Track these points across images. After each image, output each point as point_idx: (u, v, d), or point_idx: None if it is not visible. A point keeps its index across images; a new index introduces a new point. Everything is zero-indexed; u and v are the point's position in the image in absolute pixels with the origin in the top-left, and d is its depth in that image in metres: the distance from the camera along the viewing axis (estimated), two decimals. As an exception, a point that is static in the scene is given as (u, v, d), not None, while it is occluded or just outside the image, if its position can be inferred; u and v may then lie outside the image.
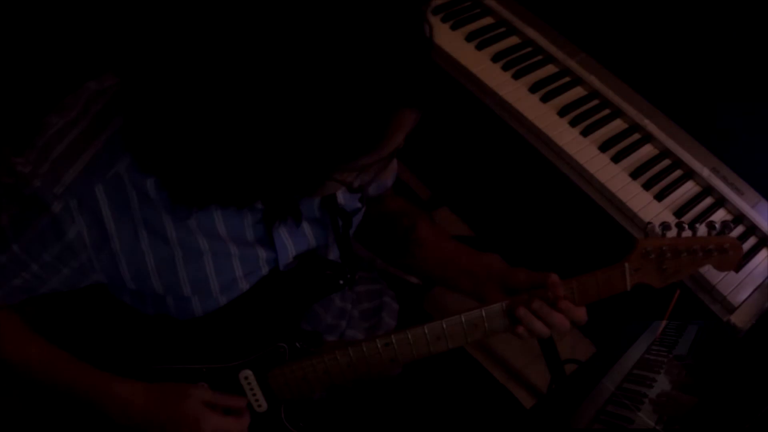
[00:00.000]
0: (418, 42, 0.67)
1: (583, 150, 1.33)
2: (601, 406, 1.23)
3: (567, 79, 1.43)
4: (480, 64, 1.43)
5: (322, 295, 1.01)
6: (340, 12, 0.62)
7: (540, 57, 1.45)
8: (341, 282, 0.98)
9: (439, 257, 1.10)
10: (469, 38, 1.47)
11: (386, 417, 1.16)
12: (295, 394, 1.01)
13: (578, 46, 1.44)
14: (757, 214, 1.26)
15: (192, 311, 0.91)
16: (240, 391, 1.00)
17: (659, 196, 1.29)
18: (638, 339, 1.32)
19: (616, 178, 1.30)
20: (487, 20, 1.51)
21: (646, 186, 1.30)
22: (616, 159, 1.32)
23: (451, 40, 1.46)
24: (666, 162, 1.34)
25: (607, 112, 1.39)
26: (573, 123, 1.36)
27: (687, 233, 0.93)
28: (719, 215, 1.29)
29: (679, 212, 1.28)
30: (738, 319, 1.18)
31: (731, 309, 1.19)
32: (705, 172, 1.30)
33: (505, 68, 1.42)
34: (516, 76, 1.41)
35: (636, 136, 1.37)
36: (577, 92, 1.42)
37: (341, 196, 0.99)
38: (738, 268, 1.21)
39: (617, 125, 1.38)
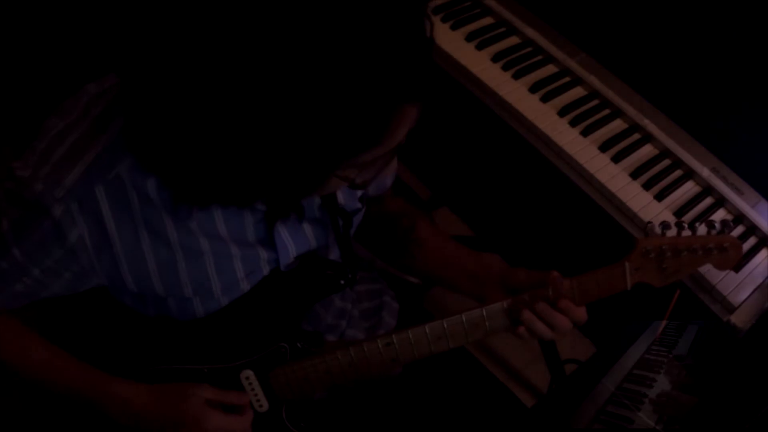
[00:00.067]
0: (419, 38, 0.67)
1: (583, 150, 1.33)
2: (601, 406, 1.23)
3: (567, 79, 1.43)
4: (480, 64, 1.43)
5: (323, 295, 1.01)
6: (342, 9, 0.62)
7: (540, 57, 1.45)
8: (342, 282, 0.98)
9: (439, 258, 1.10)
10: (469, 38, 1.47)
11: (387, 416, 1.16)
12: (297, 394, 1.01)
13: (578, 46, 1.44)
14: (757, 214, 1.26)
15: (193, 312, 0.91)
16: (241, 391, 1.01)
17: (659, 196, 1.29)
18: (638, 339, 1.32)
19: (616, 178, 1.30)
20: (487, 20, 1.51)
21: (646, 186, 1.30)
22: (616, 159, 1.32)
23: (451, 40, 1.46)
24: (666, 162, 1.34)
25: (607, 112, 1.39)
26: (573, 123, 1.36)
27: (687, 232, 0.93)
28: (719, 215, 1.29)
29: (679, 212, 1.28)
30: (738, 319, 1.18)
31: (731, 309, 1.19)
32: (705, 172, 1.30)
33: (505, 68, 1.42)
34: (516, 76, 1.41)
35: (636, 136, 1.37)
36: (577, 92, 1.42)
37: (341, 197, 0.99)
38: (738, 268, 1.21)
39: (617, 125, 1.38)
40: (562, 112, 1.37)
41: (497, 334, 0.98)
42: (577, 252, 1.70)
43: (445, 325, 0.95)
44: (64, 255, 0.82)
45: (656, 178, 1.31)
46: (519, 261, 1.07)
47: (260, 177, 0.70)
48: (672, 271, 0.95)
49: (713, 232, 0.93)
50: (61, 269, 0.83)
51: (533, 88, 1.40)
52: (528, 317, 0.93)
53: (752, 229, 1.26)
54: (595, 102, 1.40)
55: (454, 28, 1.48)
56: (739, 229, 1.27)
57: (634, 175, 1.31)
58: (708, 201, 1.30)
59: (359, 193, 1.03)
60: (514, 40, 1.48)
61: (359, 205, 1.03)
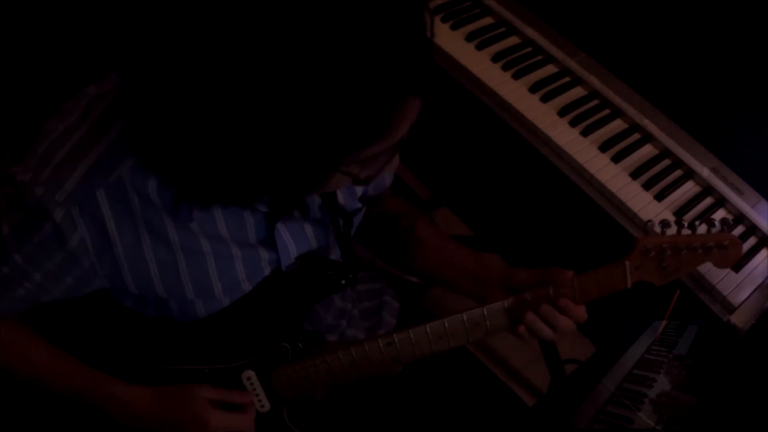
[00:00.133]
0: (419, 30, 0.67)
1: (583, 150, 1.33)
2: (601, 406, 1.23)
3: (567, 79, 1.43)
4: (480, 64, 1.43)
5: (323, 295, 1.01)
6: (343, 3, 0.62)
7: (540, 57, 1.45)
8: (343, 282, 0.98)
9: (439, 258, 1.10)
10: (469, 38, 1.47)
11: (388, 416, 1.16)
12: (298, 394, 1.02)
13: (578, 46, 1.44)
14: (757, 214, 1.26)
15: (195, 313, 0.91)
16: (243, 392, 1.01)
17: (659, 196, 1.29)
18: (638, 339, 1.32)
19: (616, 178, 1.30)
20: (487, 20, 1.51)
21: (646, 186, 1.30)
22: (616, 159, 1.32)
23: (451, 40, 1.46)
24: (666, 162, 1.34)
25: (607, 112, 1.39)
26: (573, 123, 1.36)
27: (686, 231, 0.93)
28: (719, 215, 1.29)
29: (679, 212, 1.28)
30: (738, 319, 1.17)
31: (731, 309, 1.19)
32: (705, 172, 1.30)
33: (505, 68, 1.42)
34: (516, 76, 1.41)
35: (636, 136, 1.37)
36: (577, 92, 1.42)
37: (341, 197, 0.99)
38: (738, 268, 1.21)
39: (617, 125, 1.38)
40: (562, 112, 1.37)
41: (497, 334, 0.98)
42: (577, 252, 1.70)
43: (446, 325, 0.95)
44: (66, 259, 0.81)
45: (656, 178, 1.31)
46: (519, 261, 1.07)
47: (264, 172, 0.70)
48: (672, 270, 0.95)
49: (713, 230, 0.93)
50: (63, 273, 0.83)
51: (533, 88, 1.40)
52: (530, 318, 0.93)
53: (752, 229, 1.26)
54: (595, 102, 1.40)
55: (454, 28, 1.48)
56: (739, 229, 1.27)
57: (634, 175, 1.31)
58: (708, 201, 1.30)
59: (359, 193, 1.03)
60: (514, 40, 1.48)
61: (359, 205, 1.03)
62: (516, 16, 1.48)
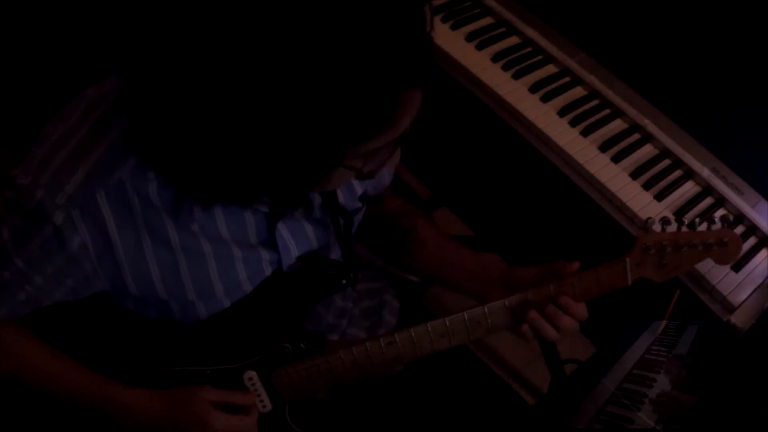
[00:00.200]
0: (420, 24, 0.67)
1: (583, 150, 1.33)
2: (601, 406, 1.23)
3: (567, 79, 1.43)
4: (480, 64, 1.42)
5: (325, 295, 1.01)
6: None
7: (540, 57, 1.45)
8: (344, 281, 0.98)
9: (440, 257, 1.10)
10: (469, 38, 1.47)
11: (389, 415, 1.16)
12: (300, 394, 1.02)
13: (578, 46, 1.44)
14: (757, 214, 1.26)
15: (196, 315, 0.91)
16: (244, 392, 1.01)
17: (659, 196, 1.29)
18: (638, 339, 1.32)
19: (616, 178, 1.30)
20: (487, 20, 1.51)
21: (646, 186, 1.30)
22: (616, 159, 1.32)
23: (451, 40, 1.45)
24: (666, 162, 1.34)
25: (607, 112, 1.39)
26: (573, 123, 1.36)
27: (686, 228, 0.93)
28: (719, 215, 1.29)
29: (679, 212, 1.28)
30: (738, 319, 1.17)
31: (731, 309, 1.19)
32: (705, 172, 1.30)
33: (505, 68, 1.42)
34: (516, 76, 1.41)
35: (636, 136, 1.37)
36: (577, 92, 1.42)
37: (341, 196, 0.99)
38: (738, 268, 1.21)
39: (617, 125, 1.38)
40: (562, 112, 1.37)
41: (497, 335, 0.98)
42: (578, 252, 1.69)
43: (447, 323, 0.95)
44: (66, 261, 0.81)
45: (656, 178, 1.31)
46: (519, 261, 1.07)
47: (268, 167, 0.69)
48: (672, 267, 0.95)
49: (713, 227, 0.93)
50: (64, 276, 0.83)
51: (533, 88, 1.40)
52: (533, 316, 0.93)
53: (752, 229, 1.26)
54: (595, 102, 1.40)
55: (454, 28, 1.48)
56: (739, 229, 1.27)
57: (634, 175, 1.31)
58: (708, 201, 1.30)
59: (359, 192, 1.03)
60: (514, 40, 1.48)
61: (359, 205, 1.04)
62: (516, 16, 1.48)
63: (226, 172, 0.71)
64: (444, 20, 1.48)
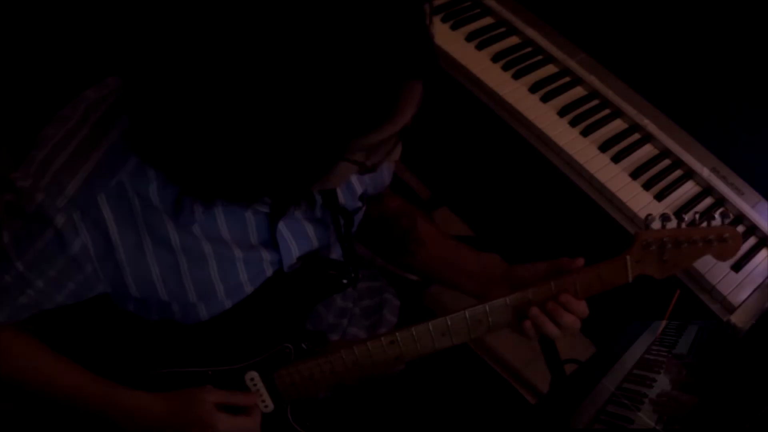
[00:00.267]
0: (421, 17, 0.68)
1: (583, 150, 1.33)
2: (601, 406, 1.23)
3: (567, 79, 1.43)
4: (480, 64, 1.42)
5: (326, 294, 1.01)
6: None
7: (540, 57, 1.45)
8: (345, 281, 0.98)
9: (440, 257, 1.11)
10: (469, 38, 1.47)
11: (391, 413, 1.17)
12: (302, 394, 1.02)
13: (578, 46, 1.44)
14: (757, 214, 1.26)
15: (197, 316, 0.91)
16: (246, 393, 1.01)
17: (659, 196, 1.29)
18: (638, 339, 1.32)
19: (616, 178, 1.30)
20: (487, 20, 1.51)
21: (646, 186, 1.30)
22: (616, 159, 1.32)
23: (451, 40, 1.45)
24: (666, 162, 1.34)
25: (607, 112, 1.39)
26: (573, 123, 1.36)
27: (686, 224, 0.94)
28: (719, 212, 1.28)
29: (679, 212, 1.28)
30: (738, 319, 1.17)
31: (731, 309, 1.19)
32: (705, 172, 1.30)
33: (505, 68, 1.42)
34: (516, 76, 1.41)
35: (636, 136, 1.37)
36: (577, 92, 1.42)
37: (342, 196, 0.99)
38: (738, 268, 1.21)
39: (617, 125, 1.38)
40: (562, 112, 1.37)
41: (497, 335, 0.98)
42: (578, 252, 1.69)
43: (449, 322, 0.95)
44: (68, 265, 0.81)
45: (656, 178, 1.31)
46: (519, 261, 1.07)
47: (272, 160, 0.69)
48: (673, 263, 0.95)
49: (713, 223, 0.93)
50: (65, 279, 0.83)
51: (533, 88, 1.40)
52: (534, 312, 0.94)
53: (752, 229, 1.26)
54: (595, 102, 1.40)
55: (454, 28, 1.48)
56: (739, 229, 1.27)
57: (634, 175, 1.31)
58: (708, 201, 1.30)
59: (359, 191, 1.03)
60: (514, 40, 1.48)
61: (360, 204, 1.04)
62: (516, 16, 1.48)
63: (229, 166, 0.70)
64: (444, 20, 1.49)
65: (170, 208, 0.82)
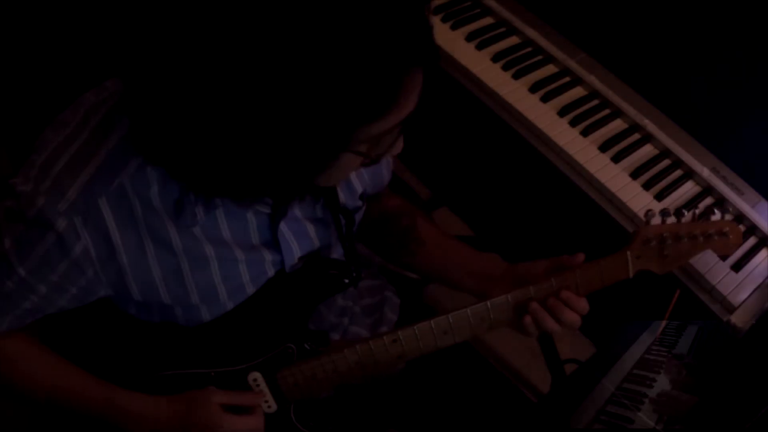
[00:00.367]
0: (421, 7, 0.69)
1: (583, 150, 1.33)
2: (601, 406, 1.24)
3: (567, 79, 1.43)
4: (480, 64, 1.42)
5: (328, 294, 1.01)
6: None
7: (540, 57, 1.45)
8: (346, 281, 0.98)
9: (440, 256, 1.11)
10: (469, 38, 1.46)
11: (393, 412, 1.17)
12: (305, 394, 1.02)
13: (578, 46, 1.44)
14: (757, 214, 1.26)
15: (200, 318, 0.91)
16: (249, 394, 1.01)
17: (659, 196, 1.29)
18: (638, 339, 1.32)
19: (615, 178, 1.30)
20: (487, 20, 1.51)
21: (646, 186, 1.30)
22: (616, 159, 1.32)
23: (451, 40, 1.45)
24: (666, 162, 1.34)
25: (607, 112, 1.39)
26: (573, 123, 1.36)
27: (686, 219, 0.94)
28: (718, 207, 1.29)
29: (679, 212, 1.28)
30: (738, 319, 1.17)
31: (731, 309, 1.19)
32: (705, 172, 1.30)
33: (505, 68, 1.42)
34: (516, 76, 1.41)
35: (636, 136, 1.37)
36: (577, 92, 1.42)
37: (342, 195, 0.99)
38: (738, 268, 1.21)
39: (617, 125, 1.38)
40: (562, 112, 1.37)
41: (498, 336, 0.98)
42: (578, 252, 1.70)
43: (451, 320, 0.95)
44: (70, 269, 0.81)
45: (656, 178, 1.31)
46: (519, 261, 1.07)
47: (277, 150, 0.69)
48: (673, 258, 0.96)
49: (713, 218, 0.93)
50: (67, 283, 0.83)
51: (533, 88, 1.40)
52: (534, 307, 0.94)
53: (752, 229, 1.26)
54: (595, 102, 1.40)
55: (454, 28, 1.48)
56: (739, 229, 1.27)
57: (634, 175, 1.31)
58: (708, 201, 1.30)
59: (359, 191, 1.03)
60: (514, 40, 1.48)
61: (360, 203, 1.04)
62: (516, 16, 1.48)
63: (236, 156, 0.70)
64: (444, 20, 1.49)
65: (171, 210, 0.82)
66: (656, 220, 0.94)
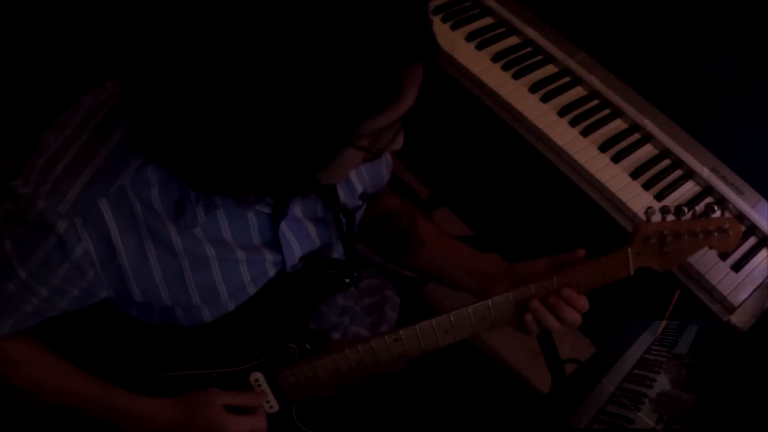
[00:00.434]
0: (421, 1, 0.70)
1: (583, 150, 1.33)
2: (601, 406, 1.24)
3: (567, 79, 1.43)
4: (480, 64, 1.42)
5: (329, 294, 1.01)
6: None
7: (540, 57, 1.45)
8: (347, 281, 0.98)
9: (440, 255, 1.11)
10: (469, 38, 1.47)
11: (395, 411, 1.17)
12: (307, 394, 1.02)
13: (578, 46, 1.44)
14: (757, 214, 1.26)
15: (201, 319, 0.91)
16: (251, 394, 1.01)
17: (659, 196, 1.29)
18: (638, 339, 1.32)
19: (616, 178, 1.30)
20: (487, 20, 1.51)
21: (646, 186, 1.30)
22: (616, 159, 1.32)
23: (451, 40, 1.45)
24: (666, 162, 1.34)
25: (607, 112, 1.39)
26: (573, 123, 1.36)
27: (687, 216, 0.94)
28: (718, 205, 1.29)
29: (679, 210, 1.28)
30: (738, 319, 1.17)
31: (731, 309, 1.19)
32: (705, 172, 1.30)
33: (505, 68, 1.42)
34: (516, 76, 1.41)
35: (636, 136, 1.37)
36: (577, 92, 1.42)
37: (342, 195, 0.99)
38: (738, 268, 1.21)
39: (617, 125, 1.38)
40: (562, 112, 1.37)
41: (498, 336, 0.99)
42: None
43: (452, 319, 0.95)
44: (71, 271, 0.81)
45: (656, 178, 1.31)
46: (519, 261, 1.07)
47: (280, 144, 0.69)
48: (673, 255, 0.96)
49: (713, 215, 0.93)
50: (68, 286, 0.83)
51: (533, 88, 1.40)
52: (535, 305, 0.94)
53: (752, 229, 1.26)
54: (595, 102, 1.40)
55: (454, 28, 1.48)
56: (739, 229, 1.27)
57: (634, 175, 1.31)
58: (708, 201, 1.30)
59: (359, 190, 1.03)
60: (514, 40, 1.48)
61: (360, 203, 1.04)
62: (516, 16, 1.48)
63: (239, 152, 0.70)
64: (444, 20, 1.49)
65: (172, 211, 0.82)
66: (656, 218, 0.94)
